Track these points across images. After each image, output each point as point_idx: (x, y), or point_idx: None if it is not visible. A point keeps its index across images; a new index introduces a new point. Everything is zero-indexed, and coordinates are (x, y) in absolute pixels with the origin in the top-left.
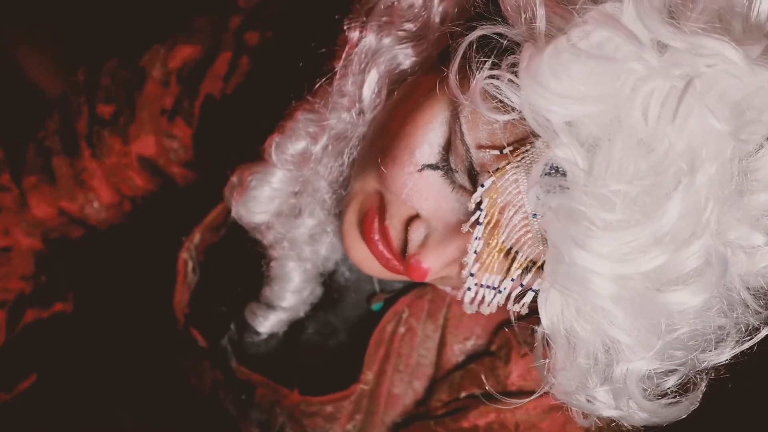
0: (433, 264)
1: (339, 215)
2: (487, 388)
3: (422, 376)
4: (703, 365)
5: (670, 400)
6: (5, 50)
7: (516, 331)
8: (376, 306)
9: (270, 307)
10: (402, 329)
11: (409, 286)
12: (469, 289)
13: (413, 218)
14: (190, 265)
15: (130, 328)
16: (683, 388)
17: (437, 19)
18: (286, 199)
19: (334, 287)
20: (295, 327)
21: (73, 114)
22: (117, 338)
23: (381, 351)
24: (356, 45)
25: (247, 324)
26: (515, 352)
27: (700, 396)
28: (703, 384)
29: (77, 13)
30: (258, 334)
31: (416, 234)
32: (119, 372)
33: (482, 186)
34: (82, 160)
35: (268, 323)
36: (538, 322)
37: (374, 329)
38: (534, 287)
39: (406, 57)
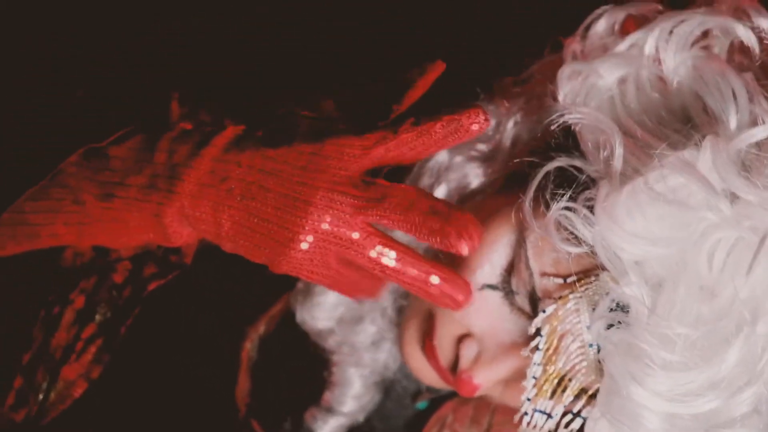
0: (483, 380)
1: (399, 325)
2: None
3: None
4: None
5: None
6: None
7: None
8: (421, 404)
9: (330, 411)
10: None
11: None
12: (526, 413)
13: (464, 336)
14: (253, 354)
15: (189, 412)
16: None
17: (508, 143)
18: (349, 306)
19: (392, 396)
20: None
21: None
22: (175, 420)
23: None
24: (428, 160)
25: (305, 426)
26: None
27: None
28: None
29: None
30: None
31: (468, 351)
32: None
33: (543, 312)
34: None
35: (327, 428)
36: None
37: None
38: (583, 414)
39: (475, 176)
